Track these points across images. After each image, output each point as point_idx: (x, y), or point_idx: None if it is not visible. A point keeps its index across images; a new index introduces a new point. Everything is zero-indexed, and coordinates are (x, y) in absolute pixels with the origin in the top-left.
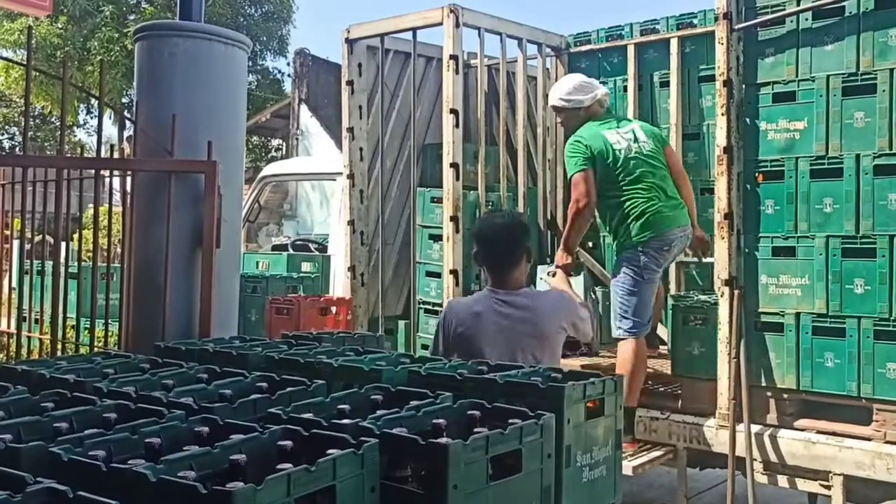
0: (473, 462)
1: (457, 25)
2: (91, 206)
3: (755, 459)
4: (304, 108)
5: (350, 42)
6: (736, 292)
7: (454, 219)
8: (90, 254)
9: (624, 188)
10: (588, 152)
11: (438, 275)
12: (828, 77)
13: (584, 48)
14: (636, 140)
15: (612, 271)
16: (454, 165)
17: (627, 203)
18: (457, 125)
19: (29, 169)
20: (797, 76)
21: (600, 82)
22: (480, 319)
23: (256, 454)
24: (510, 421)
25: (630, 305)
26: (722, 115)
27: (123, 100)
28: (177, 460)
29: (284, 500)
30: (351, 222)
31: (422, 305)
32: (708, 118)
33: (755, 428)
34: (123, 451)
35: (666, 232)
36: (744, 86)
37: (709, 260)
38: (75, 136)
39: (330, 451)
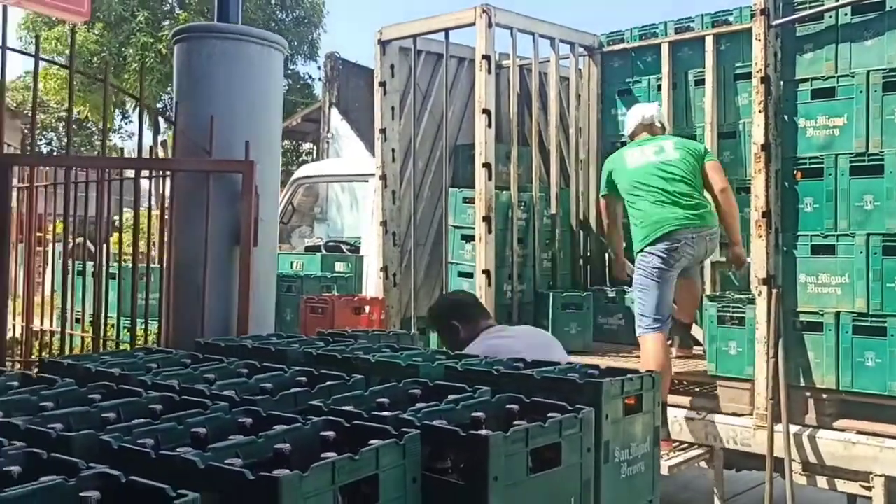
0: (514, 454)
1: (489, 25)
2: (127, 209)
3: (794, 460)
4: (334, 111)
5: (383, 44)
6: (774, 291)
7: (486, 219)
8: (127, 256)
9: (632, 197)
10: (607, 176)
11: (471, 275)
12: (868, 73)
13: (617, 47)
14: (660, 152)
15: None
16: (486, 165)
17: (634, 210)
18: (489, 125)
19: (70, 170)
20: (836, 72)
21: (633, 81)
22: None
23: (300, 444)
24: (549, 414)
25: (646, 304)
26: (759, 112)
27: (158, 105)
28: (223, 448)
29: (329, 487)
30: (383, 223)
31: None
32: (744, 116)
33: (794, 428)
34: (170, 440)
35: (670, 233)
36: (781, 82)
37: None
38: (110, 140)
39: (372, 442)
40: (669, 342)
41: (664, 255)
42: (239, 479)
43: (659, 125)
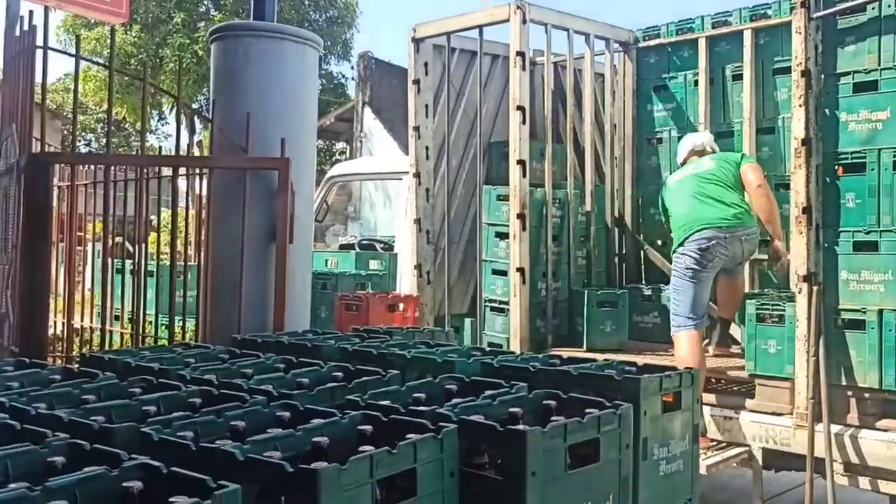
0: (552, 450)
1: (523, 22)
2: (163, 209)
3: (835, 461)
4: (367, 110)
5: (416, 41)
6: (815, 289)
7: (521, 216)
8: (165, 255)
9: (671, 207)
10: (661, 202)
11: (505, 272)
12: None
13: (652, 42)
14: (698, 167)
15: None
16: (521, 162)
17: (671, 218)
18: (523, 122)
19: (109, 169)
20: (879, 65)
21: (669, 77)
22: None
23: (337, 438)
24: (587, 410)
25: (680, 304)
26: (800, 106)
27: (194, 105)
28: (262, 441)
29: (367, 480)
30: (417, 221)
31: (488, 303)
32: (783, 111)
33: (835, 428)
34: (209, 433)
35: (700, 232)
36: (822, 76)
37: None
38: (147, 141)
39: (409, 436)
40: (706, 341)
41: (696, 256)
42: (278, 471)
43: (710, 150)
